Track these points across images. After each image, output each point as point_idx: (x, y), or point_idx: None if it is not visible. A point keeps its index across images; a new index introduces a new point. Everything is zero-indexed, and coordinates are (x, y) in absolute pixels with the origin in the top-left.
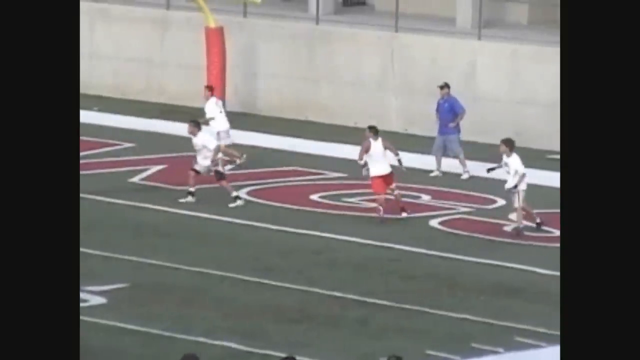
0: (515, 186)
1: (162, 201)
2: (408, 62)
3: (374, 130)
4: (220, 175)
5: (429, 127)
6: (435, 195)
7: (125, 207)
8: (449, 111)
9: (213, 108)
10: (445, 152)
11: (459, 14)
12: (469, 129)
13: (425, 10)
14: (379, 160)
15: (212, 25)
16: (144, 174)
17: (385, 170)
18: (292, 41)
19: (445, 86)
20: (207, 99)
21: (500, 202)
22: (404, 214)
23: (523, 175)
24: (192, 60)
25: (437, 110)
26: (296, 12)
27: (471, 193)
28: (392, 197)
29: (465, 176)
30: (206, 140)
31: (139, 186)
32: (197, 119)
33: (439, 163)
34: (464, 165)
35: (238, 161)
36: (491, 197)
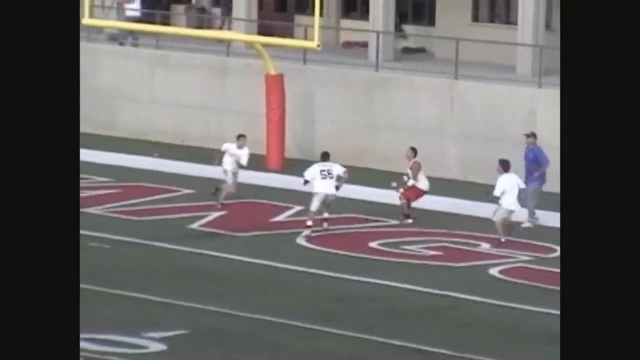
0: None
1: (221, 248)
2: (467, 110)
3: (416, 151)
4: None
5: (488, 174)
6: (494, 243)
7: (185, 253)
8: (533, 161)
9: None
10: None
11: (519, 61)
12: None
13: (485, 57)
14: (423, 177)
15: (272, 72)
16: (204, 220)
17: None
18: (351, 88)
19: (531, 135)
20: (241, 147)
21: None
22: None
23: (501, 195)
24: (251, 107)
25: (525, 158)
26: (355, 59)
27: (531, 242)
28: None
29: (527, 224)
30: None
31: (198, 232)
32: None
33: (530, 213)
34: (531, 214)
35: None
36: (551, 245)
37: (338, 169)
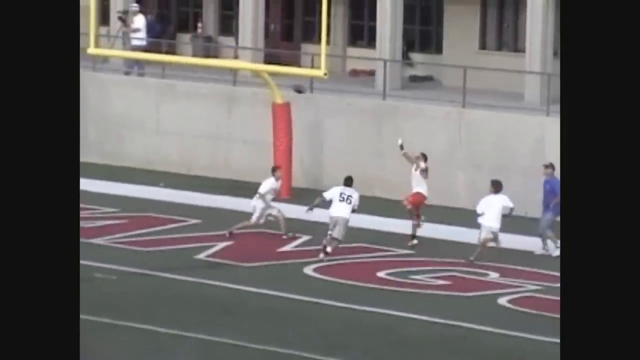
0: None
1: (228, 278)
2: (475, 138)
3: (426, 156)
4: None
5: None
6: (503, 272)
7: (192, 284)
8: (550, 192)
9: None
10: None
11: (527, 89)
12: (540, 205)
13: (493, 85)
14: (426, 184)
15: (279, 100)
16: (210, 251)
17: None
18: (359, 116)
19: (549, 166)
20: (278, 179)
21: None
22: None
23: (481, 215)
24: (258, 136)
25: (543, 189)
26: (363, 88)
27: (540, 271)
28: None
29: (540, 252)
30: None
31: (205, 263)
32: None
33: (544, 242)
34: (544, 243)
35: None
36: (559, 274)
37: (356, 200)
